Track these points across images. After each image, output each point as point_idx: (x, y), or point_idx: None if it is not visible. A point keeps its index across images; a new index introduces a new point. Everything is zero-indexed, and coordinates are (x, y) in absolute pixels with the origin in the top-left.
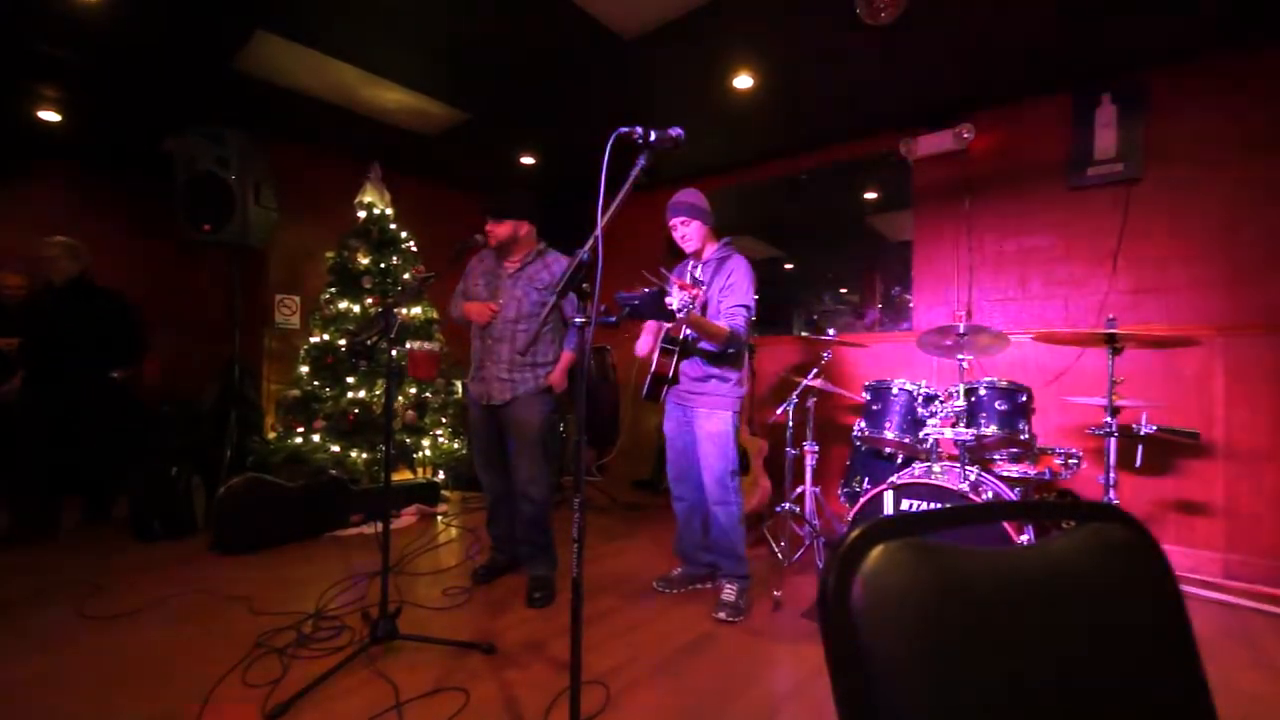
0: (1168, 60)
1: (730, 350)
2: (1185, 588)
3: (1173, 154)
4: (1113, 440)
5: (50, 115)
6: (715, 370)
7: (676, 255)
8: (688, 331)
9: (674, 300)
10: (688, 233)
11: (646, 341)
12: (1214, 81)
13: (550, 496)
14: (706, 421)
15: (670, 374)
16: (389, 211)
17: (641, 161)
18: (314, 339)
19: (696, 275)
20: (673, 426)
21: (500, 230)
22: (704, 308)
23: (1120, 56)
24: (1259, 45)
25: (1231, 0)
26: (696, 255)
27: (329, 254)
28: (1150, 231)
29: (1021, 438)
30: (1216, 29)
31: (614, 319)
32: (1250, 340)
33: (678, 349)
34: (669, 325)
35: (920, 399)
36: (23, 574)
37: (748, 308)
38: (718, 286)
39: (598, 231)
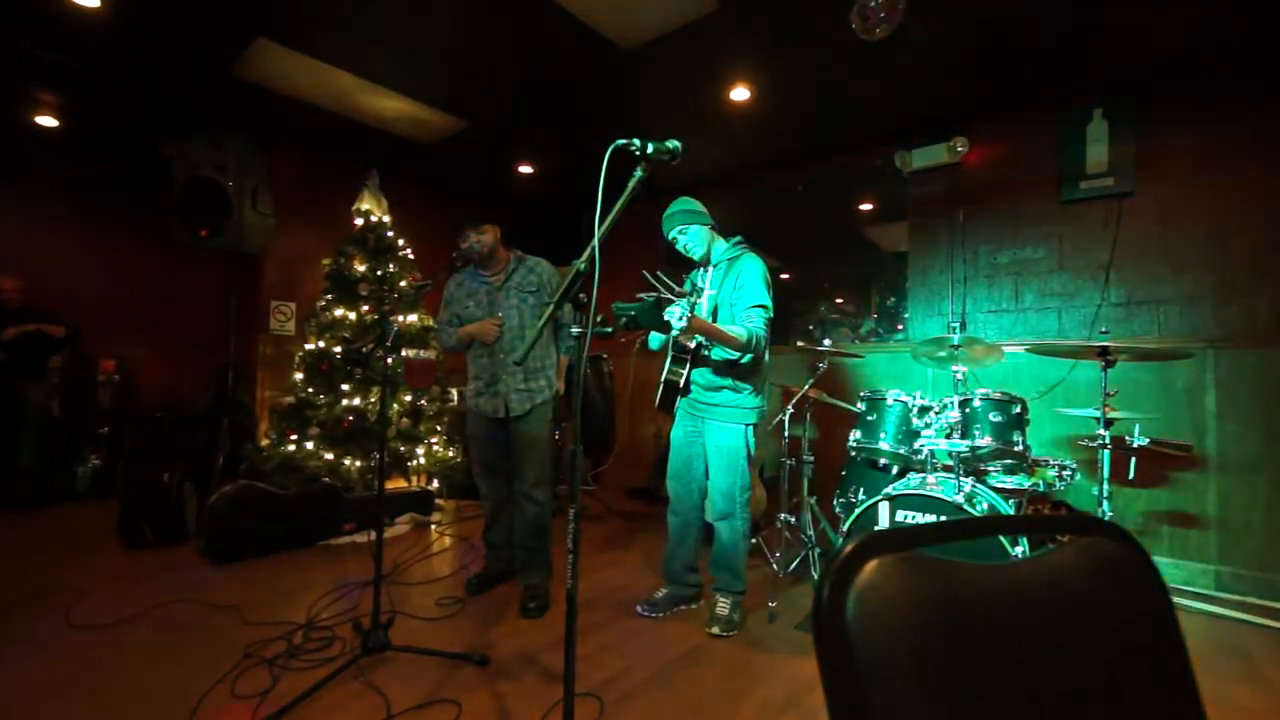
0: (1159, 75)
1: (748, 357)
2: (1178, 600)
3: (1164, 168)
4: (1106, 452)
5: (49, 120)
6: (729, 380)
7: (674, 265)
8: (699, 337)
9: (673, 315)
10: (688, 241)
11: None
12: (1203, 96)
13: (551, 501)
14: (718, 434)
15: (681, 383)
16: (386, 219)
17: (639, 173)
18: (309, 345)
19: (699, 283)
20: (680, 436)
21: (486, 237)
22: (714, 313)
23: (1112, 72)
24: (1248, 58)
25: (1225, 17)
26: (705, 261)
27: (325, 261)
28: (1142, 245)
29: (1015, 449)
30: (1207, 43)
31: (610, 329)
32: (1241, 353)
33: (689, 356)
34: (678, 333)
35: (915, 410)
36: (11, 580)
37: (765, 307)
38: (729, 289)
39: (595, 242)
